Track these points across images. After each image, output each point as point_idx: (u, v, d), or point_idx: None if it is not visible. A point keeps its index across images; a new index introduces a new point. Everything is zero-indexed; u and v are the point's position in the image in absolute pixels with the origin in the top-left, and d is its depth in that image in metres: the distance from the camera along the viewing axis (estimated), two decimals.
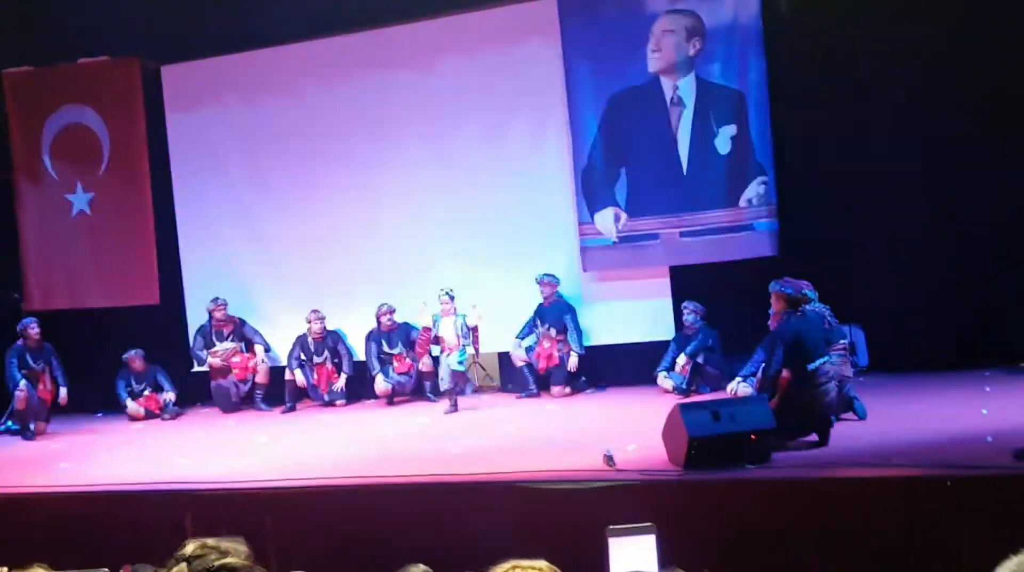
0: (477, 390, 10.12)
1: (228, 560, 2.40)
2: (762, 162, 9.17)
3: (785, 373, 6.63)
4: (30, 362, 9.96)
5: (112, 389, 10.52)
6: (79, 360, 10.76)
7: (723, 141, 9.31)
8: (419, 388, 10.22)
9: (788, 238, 9.14)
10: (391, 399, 10.10)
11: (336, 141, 10.56)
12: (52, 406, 10.08)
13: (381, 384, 10.04)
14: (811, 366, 6.66)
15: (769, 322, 7.08)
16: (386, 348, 10.19)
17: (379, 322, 10.18)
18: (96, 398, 10.89)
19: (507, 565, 2.40)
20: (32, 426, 9.79)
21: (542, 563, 2.41)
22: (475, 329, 9.36)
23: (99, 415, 10.82)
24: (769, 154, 9.16)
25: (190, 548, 2.44)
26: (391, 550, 6.20)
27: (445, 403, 9.40)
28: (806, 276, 7.22)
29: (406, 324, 10.24)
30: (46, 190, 11.21)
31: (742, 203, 9.27)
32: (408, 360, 10.17)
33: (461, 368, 9.38)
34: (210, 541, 2.47)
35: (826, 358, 6.81)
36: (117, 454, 8.63)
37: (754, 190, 9.20)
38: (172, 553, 2.47)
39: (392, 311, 10.14)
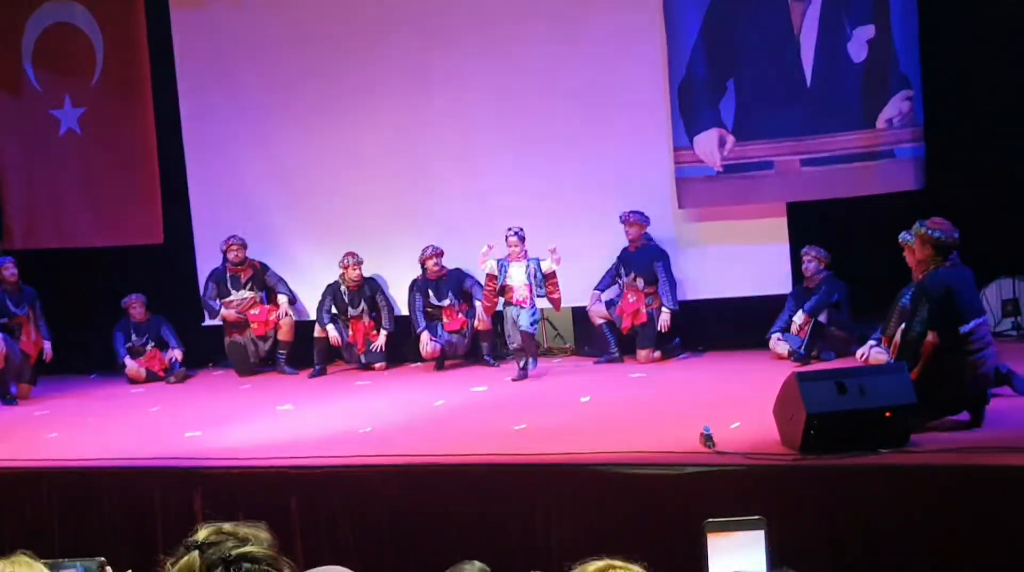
0: (545, 354, 10.15)
1: (248, 548, 2.45)
2: (907, 73, 9.02)
3: (931, 336, 6.55)
4: (10, 308, 10.16)
5: (108, 346, 10.73)
6: (68, 311, 10.97)
7: (858, 46, 9.14)
8: (474, 349, 10.28)
9: (936, 168, 8.99)
10: (440, 362, 10.18)
11: (373, 46, 10.53)
12: (37, 364, 10.32)
13: (428, 344, 10.11)
14: (964, 328, 6.57)
15: (913, 274, 6.99)
16: (433, 300, 10.24)
17: (424, 268, 10.23)
18: (90, 356, 11.13)
19: (601, 563, 2.51)
20: (13, 388, 10.03)
21: (637, 569, 2.53)
22: (552, 276, 9.36)
23: (93, 376, 11.05)
24: (916, 63, 9.00)
25: (203, 534, 2.50)
26: (440, 543, 6.31)
27: (510, 368, 9.44)
28: (957, 215, 7.11)
29: (457, 270, 10.28)
30: (28, 104, 11.35)
31: (880, 124, 9.13)
32: (461, 315, 10.22)
33: (534, 330, 9.38)
34: (226, 526, 2.52)
35: (982, 319, 6.72)
36: (114, 423, 8.81)
37: (896, 107, 9.06)
38: (180, 539, 2.52)
39: (439, 254, 10.17)
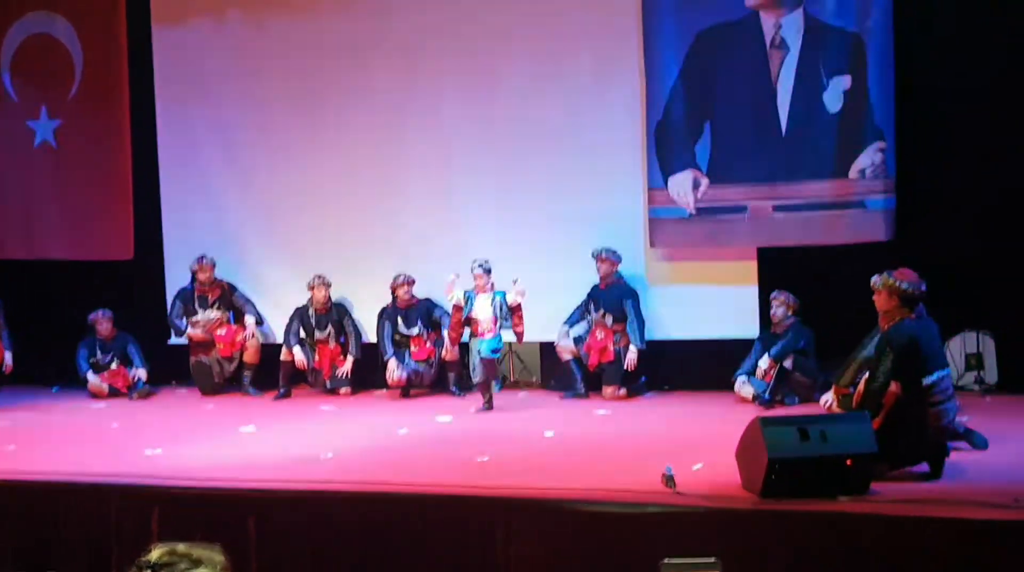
0: (511, 386, 10.15)
1: (201, 570, 2.43)
2: (880, 125, 9.10)
3: (894, 387, 6.59)
4: None
5: (72, 359, 10.65)
6: (34, 323, 10.89)
7: (834, 96, 9.22)
8: (440, 379, 10.26)
9: (905, 220, 9.06)
10: (406, 390, 10.15)
11: (353, 74, 10.55)
12: None
13: (394, 372, 10.08)
14: (927, 380, 6.61)
15: (880, 321, 7.02)
16: (402, 328, 10.23)
17: (395, 296, 10.22)
18: (52, 369, 11.04)
19: None
20: None
21: None
22: (517, 309, 9.35)
23: (55, 390, 10.97)
24: (890, 116, 9.09)
25: (156, 554, 2.48)
26: None
27: (475, 399, 9.43)
28: (925, 268, 7.16)
29: (427, 300, 10.28)
30: (4, 114, 11.33)
31: (852, 174, 9.20)
32: (429, 344, 10.21)
33: (494, 357, 9.38)
34: (180, 547, 2.50)
35: (945, 372, 6.77)
36: (73, 437, 8.74)
37: (868, 159, 9.12)
38: (133, 559, 2.50)
39: (411, 283, 10.17)
